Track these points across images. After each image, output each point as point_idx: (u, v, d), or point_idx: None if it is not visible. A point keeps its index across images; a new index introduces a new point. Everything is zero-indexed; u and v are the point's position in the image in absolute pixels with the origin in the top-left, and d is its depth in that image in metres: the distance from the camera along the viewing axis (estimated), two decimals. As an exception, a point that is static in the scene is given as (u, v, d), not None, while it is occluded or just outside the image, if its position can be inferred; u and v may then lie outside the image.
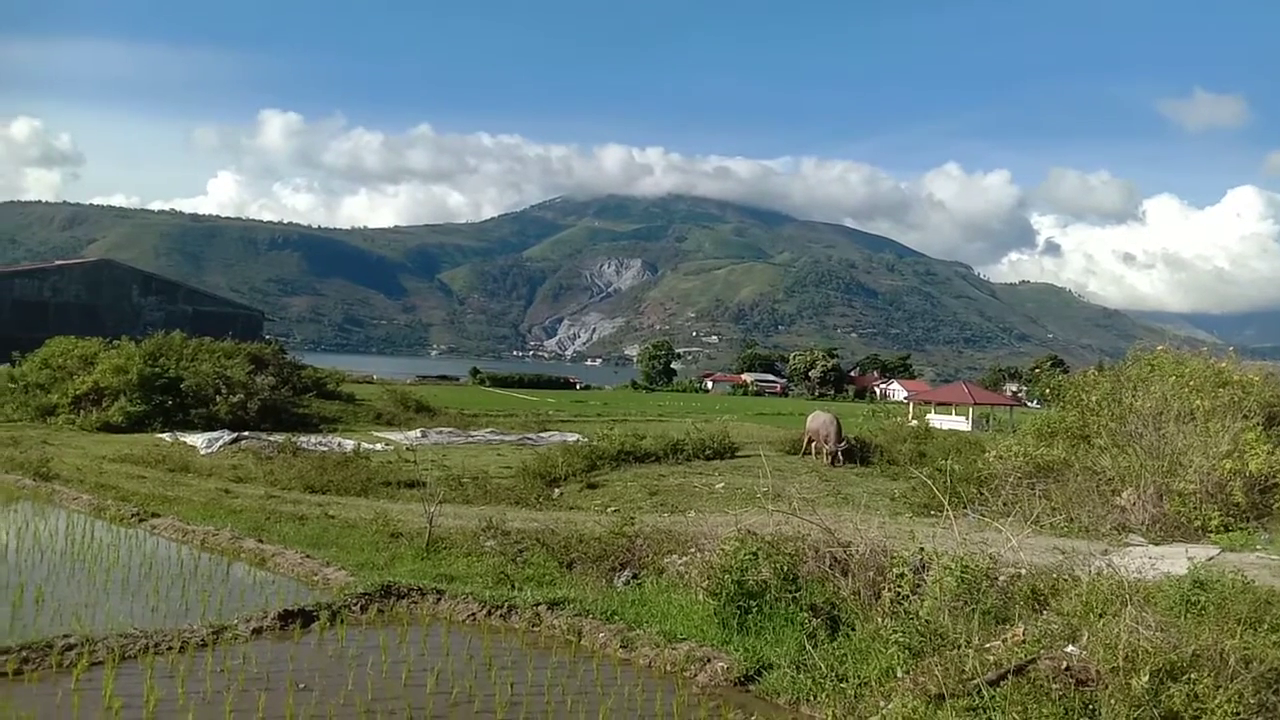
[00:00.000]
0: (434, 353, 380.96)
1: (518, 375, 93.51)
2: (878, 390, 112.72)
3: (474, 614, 8.60)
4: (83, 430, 27.68)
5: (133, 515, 13.00)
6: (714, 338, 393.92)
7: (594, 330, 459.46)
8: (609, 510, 15.93)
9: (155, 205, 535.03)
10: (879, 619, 7.83)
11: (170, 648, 7.23)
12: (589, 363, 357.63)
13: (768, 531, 9.55)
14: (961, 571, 7.88)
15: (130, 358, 31.21)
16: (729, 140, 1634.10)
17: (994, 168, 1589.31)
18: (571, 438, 28.39)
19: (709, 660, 7.39)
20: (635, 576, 10.25)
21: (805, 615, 8.01)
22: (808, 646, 7.32)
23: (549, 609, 8.53)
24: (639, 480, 20.05)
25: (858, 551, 9.09)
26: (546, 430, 33.29)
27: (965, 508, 13.45)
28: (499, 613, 8.59)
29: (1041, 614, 7.83)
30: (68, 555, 10.89)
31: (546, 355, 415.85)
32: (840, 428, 24.00)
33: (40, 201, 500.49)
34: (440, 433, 30.83)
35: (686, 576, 9.58)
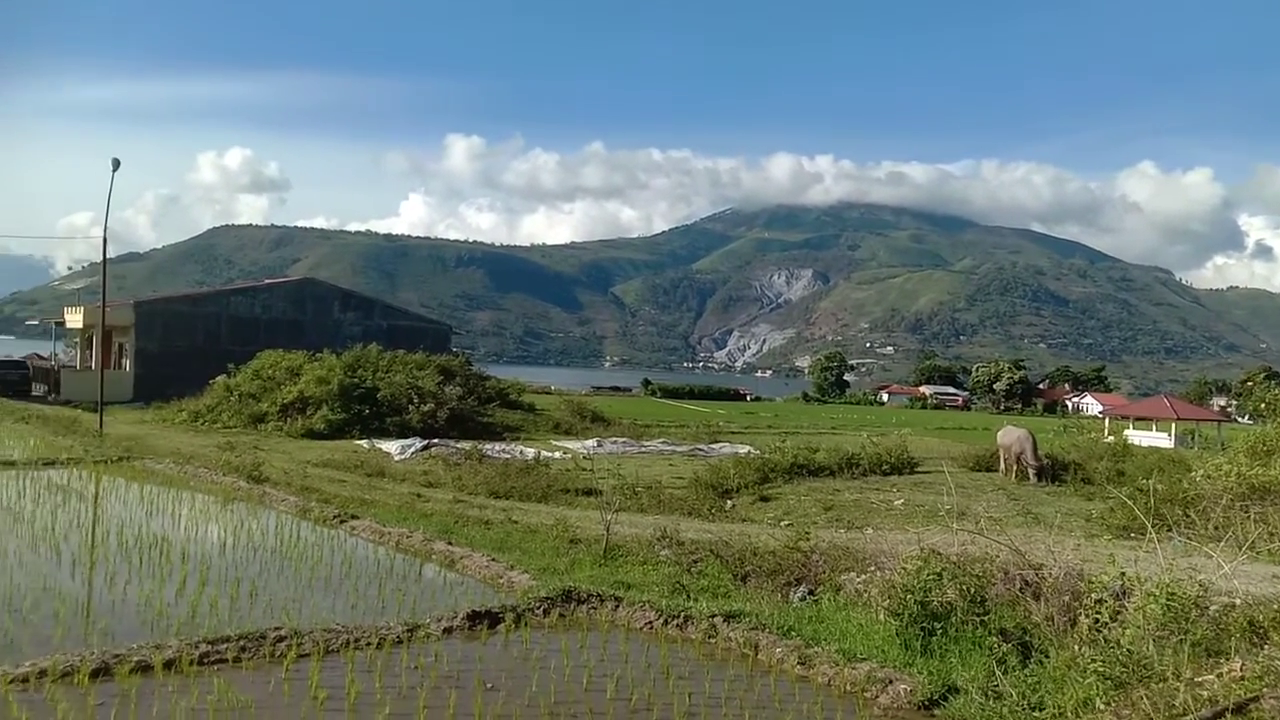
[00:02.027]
0: (607, 364, 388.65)
1: (688, 386, 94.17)
2: (1069, 404, 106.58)
3: (651, 622, 8.69)
4: (289, 436, 29.82)
5: (334, 517, 13.88)
6: (889, 349, 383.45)
7: (764, 341, 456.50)
8: (783, 524, 15.75)
9: (353, 226, 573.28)
10: (1075, 647, 7.38)
11: (369, 643, 7.67)
12: (759, 374, 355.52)
13: (952, 551, 9.20)
14: (1168, 599, 7.31)
15: (331, 369, 33.43)
16: (902, 145, 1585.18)
17: (1194, 165, 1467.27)
18: (743, 449, 28.30)
19: (891, 681, 7.18)
20: (811, 593, 10.10)
21: (994, 639, 7.65)
22: (997, 672, 6.99)
23: (725, 621, 8.51)
24: (813, 494, 19.75)
25: (1050, 575, 8.61)
26: (717, 441, 33.30)
27: (1169, 531, 12.50)
28: (675, 622, 8.64)
29: (1262, 649, 7.17)
30: (277, 553, 11.75)
31: (716, 367, 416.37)
32: (1036, 443, 22.85)
33: (251, 225, 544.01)
34: (614, 442, 31.39)
35: (865, 595, 9.35)
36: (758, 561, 11.18)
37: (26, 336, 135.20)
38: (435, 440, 28.34)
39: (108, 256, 30.54)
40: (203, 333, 47.75)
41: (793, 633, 8.25)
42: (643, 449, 30.20)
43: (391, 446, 26.74)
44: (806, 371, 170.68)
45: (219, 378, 36.32)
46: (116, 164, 27.67)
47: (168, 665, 6.90)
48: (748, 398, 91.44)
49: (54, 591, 9.22)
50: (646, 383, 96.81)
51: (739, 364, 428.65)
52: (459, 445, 26.81)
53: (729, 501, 19.14)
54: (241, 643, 7.39)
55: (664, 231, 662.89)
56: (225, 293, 54.17)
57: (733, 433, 38.75)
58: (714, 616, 8.58)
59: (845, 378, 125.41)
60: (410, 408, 32.64)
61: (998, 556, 9.05)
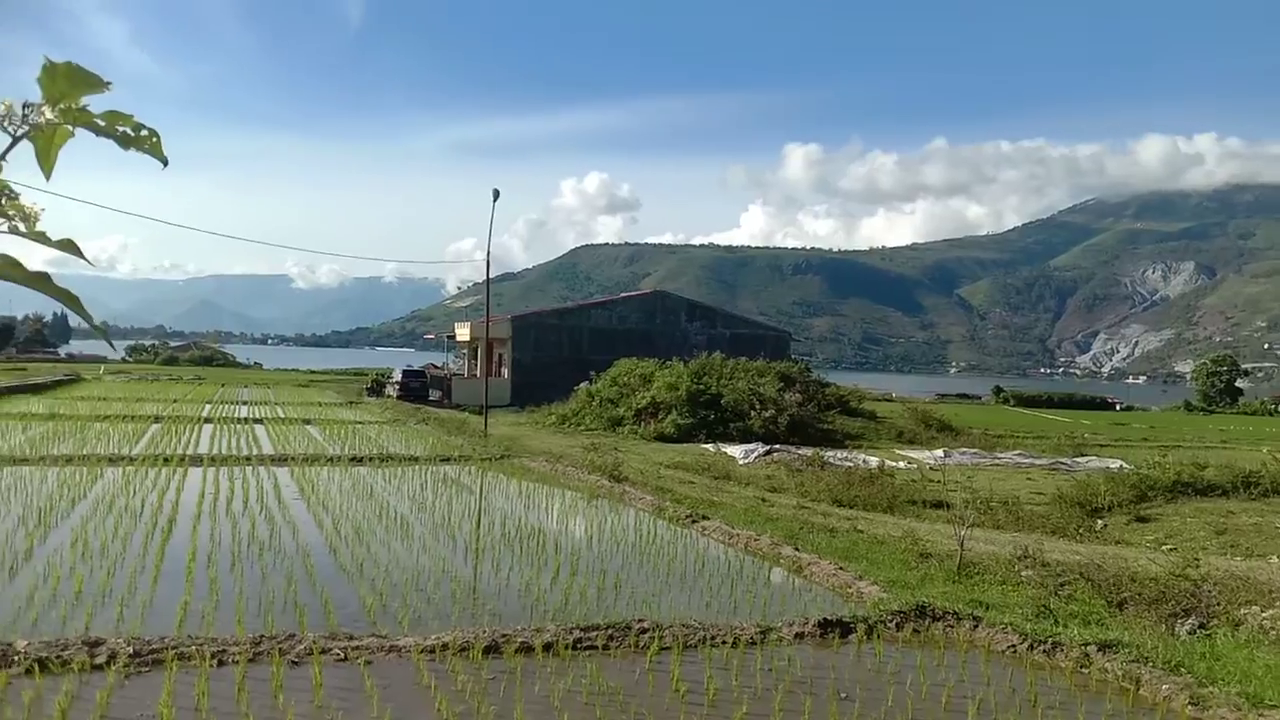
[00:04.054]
0: (953, 370, 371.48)
1: (1045, 394, 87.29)
2: None
3: (1014, 645, 8.18)
4: (642, 439, 31.63)
5: (686, 517, 14.48)
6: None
7: (1135, 344, 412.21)
8: (1164, 548, 14.17)
9: (696, 240, 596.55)
10: None
11: (724, 641, 7.92)
12: (1129, 380, 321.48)
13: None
14: None
15: (680, 376, 35.02)
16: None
17: None
18: (1113, 464, 25.87)
19: (1312, 737, 6.21)
20: (1203, 626, 8.99)
21: None
22: None
23: (1100, 650, 7.81)
24: (1200, 516, 17.56)
25: None
26: (1082, 455, 30.67)
27: None
28: (1042, 648, 8.07)
29: None
30: (636, 548, 12.48)
31: (1078, 372, 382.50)
32: None
33: (607, 243, 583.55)
34: (964, 453, 29.97)
35: (1273, 632, 8.17)
36: (1136, 588, 10.16)
37: (424, 349, 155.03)
38: (777, 446, 28.69)
39: (489, 277, 34.19)
40: (568, 343, 52.02)
41: (1181, 669, 7.38)
42: (996, 461, 28.55)
43: (735, 451, 27.44)
44: (1189, 377, 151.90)
45: (582, 384, 39.35)
46: (496, 194, 30.85)
47: (546, 647, 7.56)
48: (1116, 407, 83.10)
49: (451, 574, 10.45)
50: (998, 390, 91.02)
51: (1106, 369, 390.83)
52: (800, 451, 26.94)
53: (1099, 521, 17.56)
54: (609, 631, 7.92)
55: (1016, 227, 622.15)
56: (586, 307, 58.58)
57: (1100, 445, 35.47)
58: (1087, 645, 7.90)
59: (1238, 384, 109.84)
60: (752, 413, 33.32)
61: None
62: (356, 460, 20.73)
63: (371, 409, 40.62)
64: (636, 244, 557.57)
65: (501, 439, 27.92)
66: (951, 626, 8.69)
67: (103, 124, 1.21)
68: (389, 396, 50.47)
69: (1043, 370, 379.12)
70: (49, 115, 1.18)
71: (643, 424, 33.38)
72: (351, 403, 44.71)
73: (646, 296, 60.61)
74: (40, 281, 1.04)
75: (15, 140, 1.19)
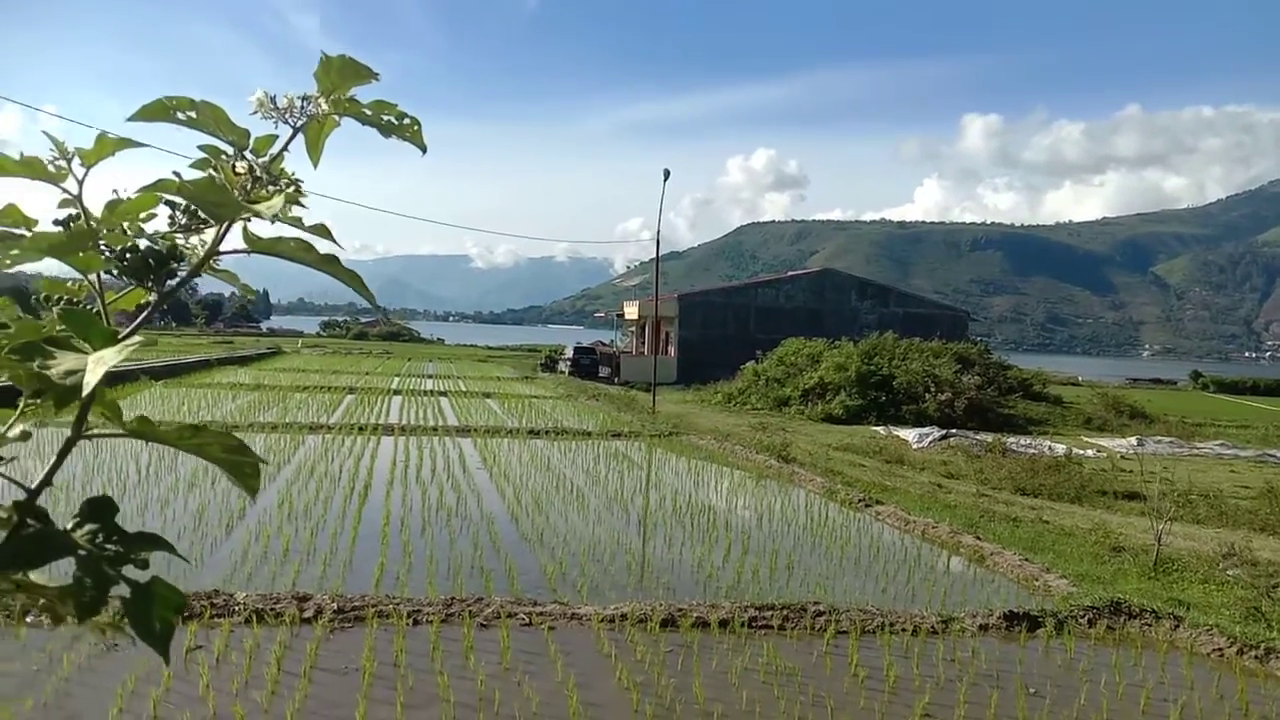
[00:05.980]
0: (1146, 353, 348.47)
1: (1250, 380, 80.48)
2: None
3: (1220, 649, 7.63)
4: (809, 420, 31.22)
5: (858, 500, 14.21)
6: None
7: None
8: (1398, 552, 12.81)
9: (867, 216, 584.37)
10: None
11: (903, 629, 7.74)
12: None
13: None
14: None
15: (849, 357, 34.32)
16: None
17: None
18: (1335, 458, 23.60)
19: None
20: None
21: None
22: None
23: (1322, 661, 7.18)
24: None
25: None
26: (1297, 446, 28.14)
27: None
28: (1252, 653, 7.49)
29: None
30: (807, 530, 12.36)
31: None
32: None
33: (774, 221, 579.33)
34: (1159, 442, 28.06)
35: None
36: (1365, 594, 9.24)
37: (593, 326, 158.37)
38: (953, 430, 27.69)
39: (658, 256, 34.49)
40: (734, 322, 51.87)
41: None
42: (1194, 451, 26.57)
43: (909, 434, 26.66)
44: None
45: (748, 363, 39.17)
46: (667, 174, 30.95)
47: (722, 624, 7.61)
48: (1336, 395, 75.63)
49: (625, 546, 10.67)
50: (1196, 375, 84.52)
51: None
52: (979, 436, 25.92)
53: (1316, 519, 16.05)
54: (784, 612, 7.88)
55: (1219, 200, 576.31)
56: (752, 285, 58.10)
57: (1316, 437, 32.42)
58: (1307, 653, 7.28)
59: None
60: (926, 396, 32.27)
61: None
62: (533, 433, 21.42)
63: (545, 384, 41.83)
64: (804, 221, 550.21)
65: (669, 416, 28.18)
66: (1149, 625, 8.18)
67: (369, 113, 1.29)
68: (561, 373, 51.83)
69: (1247, 354, 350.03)
70: (324, 106, 1.26)
71: (810, 404, 32.91)
72: (527, 378, 46.19)
73: (814, 275, 59.48)
74: (330, 264, 1.12)
75: (295, 132, 1.28)
